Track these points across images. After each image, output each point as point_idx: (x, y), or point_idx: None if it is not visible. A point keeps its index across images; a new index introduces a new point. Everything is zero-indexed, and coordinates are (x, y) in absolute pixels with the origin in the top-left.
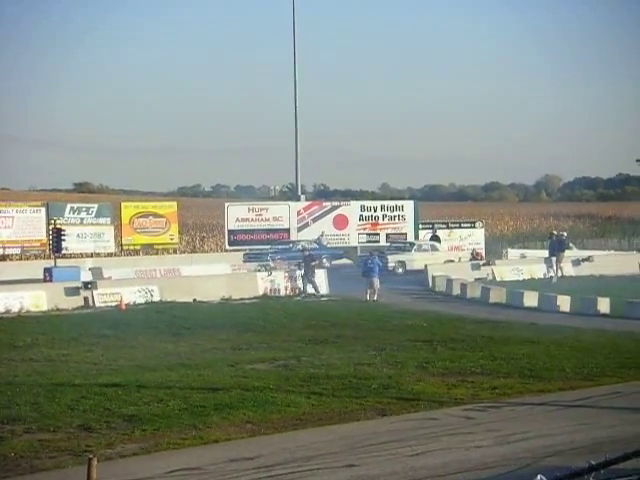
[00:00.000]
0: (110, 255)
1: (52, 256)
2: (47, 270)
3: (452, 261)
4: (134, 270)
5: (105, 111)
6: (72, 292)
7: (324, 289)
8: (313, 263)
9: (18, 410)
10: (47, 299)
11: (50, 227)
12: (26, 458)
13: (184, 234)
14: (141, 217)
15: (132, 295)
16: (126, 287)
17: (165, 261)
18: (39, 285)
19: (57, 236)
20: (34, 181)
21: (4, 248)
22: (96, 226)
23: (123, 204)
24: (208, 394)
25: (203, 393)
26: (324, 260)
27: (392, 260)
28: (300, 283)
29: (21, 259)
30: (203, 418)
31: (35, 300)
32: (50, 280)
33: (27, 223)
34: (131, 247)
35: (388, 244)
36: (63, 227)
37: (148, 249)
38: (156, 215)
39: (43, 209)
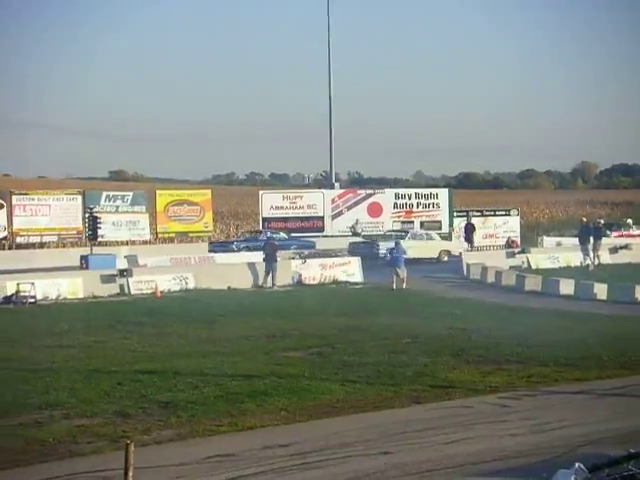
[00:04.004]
0: (145, 243)
1: (88, 244)
2: (83, 258)
3: (448, 251)
4: (169, 258)
5: (140, 99)
6: (108, 280)
7: (358, 277)
8: (277, 253)
9: (56, 396)
10: (83, 286)
11: (86, 215)
12: (64, 443)
13: (218, 222)
14: (176, 205)
15: (167, 283)
16: (161, 275)
17: (200, 249)
18: (76, 272)
19: (93, 224)
20: (70, 169)
21: (42, 236)
22: (131, 214)
23: (158, 192)
24: (243, 381)
25: (238, 380)
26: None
27: (383, 247)
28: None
29: (58, 247)
30: (238, 405)
31: (72, 287)
32: (86, 268)
33: (64, 211)
34: (166, 235)
35: (382, 232)
36: (99, 215)
37: (183, 237)
38: (190, 203)
39: (79, 197)
